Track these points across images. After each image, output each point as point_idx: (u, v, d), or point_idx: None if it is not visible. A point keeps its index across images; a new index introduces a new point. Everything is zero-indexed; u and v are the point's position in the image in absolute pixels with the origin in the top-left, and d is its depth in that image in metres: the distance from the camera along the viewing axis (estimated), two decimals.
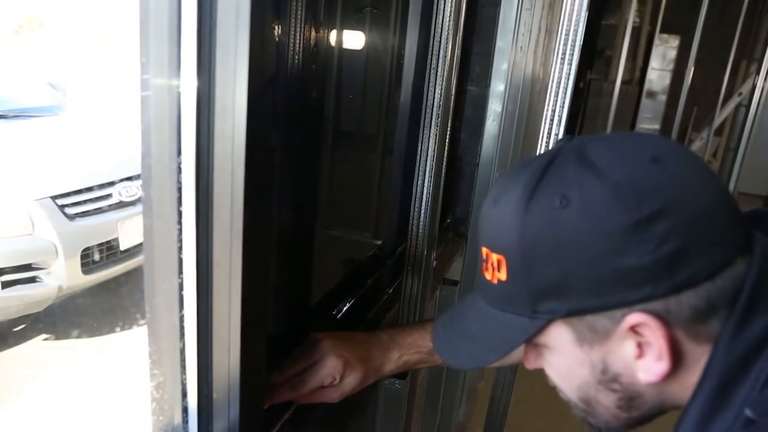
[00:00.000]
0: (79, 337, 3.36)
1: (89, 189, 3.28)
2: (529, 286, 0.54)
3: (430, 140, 0.85)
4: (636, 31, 4.57)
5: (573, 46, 0.78)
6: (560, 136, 0.79)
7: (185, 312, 0.55)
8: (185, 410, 0.59)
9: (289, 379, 0.74)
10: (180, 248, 0.53)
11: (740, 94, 4.54)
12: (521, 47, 1.59)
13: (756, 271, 0.51)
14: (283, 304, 0.81)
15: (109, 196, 3.36)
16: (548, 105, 0.78)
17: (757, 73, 3.99)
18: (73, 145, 3.78)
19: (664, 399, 0.57)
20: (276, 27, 0.66)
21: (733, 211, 0.52)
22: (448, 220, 1.60)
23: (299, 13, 0.74)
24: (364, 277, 1.00)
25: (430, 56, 0.83)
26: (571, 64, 0.79)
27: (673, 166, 0.51)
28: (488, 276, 0.58)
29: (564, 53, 0.79)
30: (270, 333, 0.77)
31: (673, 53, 4.85)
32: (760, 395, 0.49)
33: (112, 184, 3.38)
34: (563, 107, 0.77)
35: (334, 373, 0.74)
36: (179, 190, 0.51)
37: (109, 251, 3.35)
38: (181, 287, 0.54)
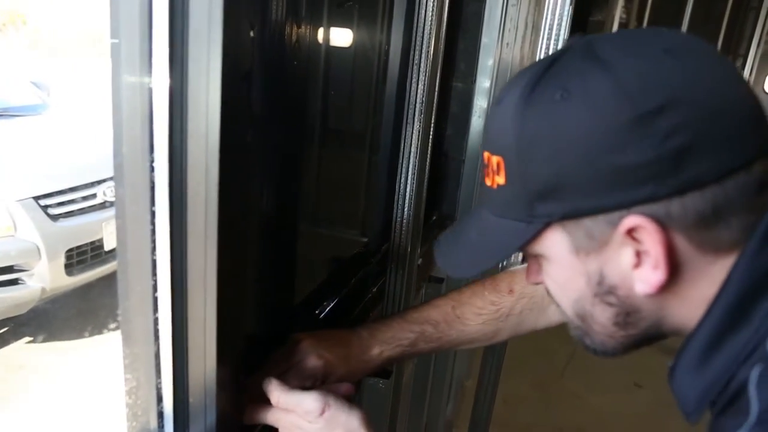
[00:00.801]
0: (63, 339, 3.32)
1: (73, 189, 3.24)
2: (526, 187, 0.51)
3: (413, 136, 0.84)
4: (623, 27, 4.59)
5: (557, 41, 0.77)
6: None
7: (159, 314, 0.54)
8: (161, 415, 0.58)
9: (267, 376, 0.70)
10: (153, 249, 0.52)
11: None
12: (507, 43, 1.59)
13: None
14: (264, 304, 0.80)
15: (93, 196, 3.32)
16: None
17: (742, 68, 4.03)
18: (57, 145, 3.73)
19: (663, 317, 0.54)
20: (253, 23, 0.65)
21: (755, 113, 0.48)
22: (434, 217, 1.60)
23: (280, 8, 0.73)
24: (347, 275, 0.99)
25: (412, 51, 0.82)
26: None
27: (688, 58, 0.48)
28: (488, 182, 0.56)
29: (548, 48, 0.78)
30: (250, 334, 0.76)
31: None
32: None
33: (96, 183, 3.34)
34: None
35: (314, 374, 0.72)
36: (152, 189, 0.50)
37: (94, 252, 3.31)
38: (155, 289, 0.53)
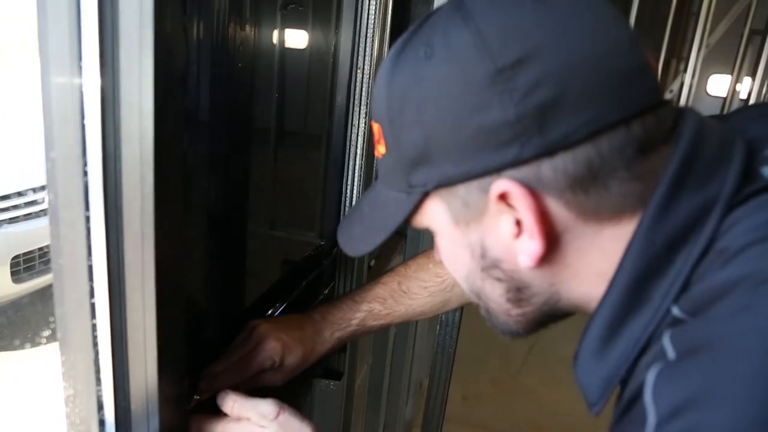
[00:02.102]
0: (6, 349, 3.20)
1: (18, 194, 3.13)
2: (400, 154, 0.49)
3: (359, 138, 0.85)
4: None
5: None
6: None
7: (97, 320, 0.53)
8: (102, 423, 0.57)
9: (229, 368, 0.73)
10: (89, 254, 0.51)
11: (671, 91, 4.74)
12: None
13: (686, 145, 0.44)
14: (210, 308, 0.79)
15: (40, 201, 3.21)
16: None
17: (685, 71, 4.18)
18: None
19: (557, 292, 0.50)
20: (193, 23, 0.64)
21: (634, 66, 0.44)
22: None
23: (221, 11, 0.72)
24: (298, 278, 0.99)
25: (355, 53, 0.82)
26: None
27: (557, 9, 0.44)
28: (376, 153, 0.54)
29: None
30: (195, 338, 0.75)
31: None
32: (689, 294, 0.43)
33: (41, 189, 3.23)
34: None
35: (273, 356, 0.74)
36: (86, 193, 0.49)
37: (42, 258, 3.21)
38: (91, 294, 0.52)
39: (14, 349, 3.16)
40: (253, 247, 0.88)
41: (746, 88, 4.27)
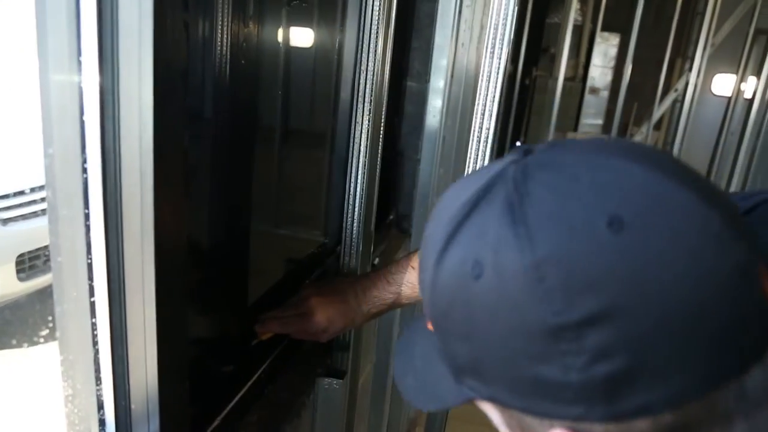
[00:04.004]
0: (16, 346, 3.21)
1: (22, 192, 3.14)
2: (447, 353, 0.44)
3: (363, 136, 0.84)
4: (578, 30, 4.69)
5: (502, 40, 0.78)
6: (491, 130, 0.78)
7: (97, 319, 0.53)
8: (102, 423, 0.56)
9: (280, 320, 0.87)
10: (89, 252, 0.50)
11: (676, 90, 4.72)
12: (462, 43, 1.60)
13: None
14: (211, 306, 0.79)
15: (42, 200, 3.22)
16: (479, 99, 0.78)
17: (690, 70, 4.17)
18: (3, 147, 3.60)
19: None
20: (195, 19, 0.64)
21: (743, 313, 0.35)
22: (391, 217, 1.60)
23: (226, 8, 0.72)
24: (300, 276, 0.98)
25: (359, 50, 0.82)
26: (500, 59, 0.79)
27: (643, 237, 0.34)
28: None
29: (493, 47, 0.79)
30: (196, 337, 0.75)
31: (614, 51, 5.00)
32: None
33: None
34: (493, 101, 0.78)
35: (318, 329, 0.86)
36: (85, 191, 0.48)
37: (48, 256, 3.21)
38: (91, 293, 0.52)
39: (11, 347, 3.17)
40: (255, 245, 0.88)
41: (751, 87, 4.25)
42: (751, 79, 4.34)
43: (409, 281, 0.86)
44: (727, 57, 4.55)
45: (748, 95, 4.37)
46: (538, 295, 0.35)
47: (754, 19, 4.22)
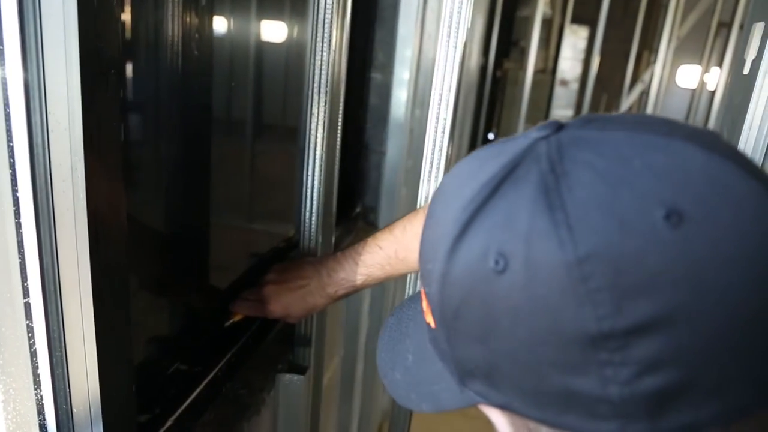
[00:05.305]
0: None
1: None
2: (454, 355, 0.39)
3: (318, 128, 0.83)
4: (548, 23, 4.73)
5: (457, 28, 0.77)
6: (447, 120, 0.77)
7: (34, 321, 0.50)
8: (42, 428, 0.54)
9: (245, 306, 0.89)
10: (21, 250, 0.48)
11: (643, 81, 4.80)
12: (429, 34, 1.59)
13: None
14: (157, 303, 0.77)
15: None
16: (434, 89, 0.77)
17: (656, 62, 4.24)
18: None
19: None
20: (118, 9, 0.61)
21: None
22: (358, 209, 1.59)
23: None
24: (259, 271, 0.96)
25: (314, 40, 0.80)
26: (456, 48, 0.78)
27: (705, 232, 0.29)
28: (423, 305, 0.43)
29: (449, 36, 0.78)
30: (144, 337, 0.73)
31: (583, 43, 5.07)
32: None
33: None
34: (450, 91, 0.77)
35: (274, 316, 0.86)
36: (14, 189, 0.46)
37: None
38: (26, 294, 0.50)
39: None
40: (207, 238, 0.86)
41: (714, 78, 4.34)
42: (714, 69, 4.44)
43: (377, 262, 0.82)
44: (691, 49, 4.65)
45: (711, 87, 4.47)
46: (580, 297, 0.30)
47: (716, 13, 4.32)
